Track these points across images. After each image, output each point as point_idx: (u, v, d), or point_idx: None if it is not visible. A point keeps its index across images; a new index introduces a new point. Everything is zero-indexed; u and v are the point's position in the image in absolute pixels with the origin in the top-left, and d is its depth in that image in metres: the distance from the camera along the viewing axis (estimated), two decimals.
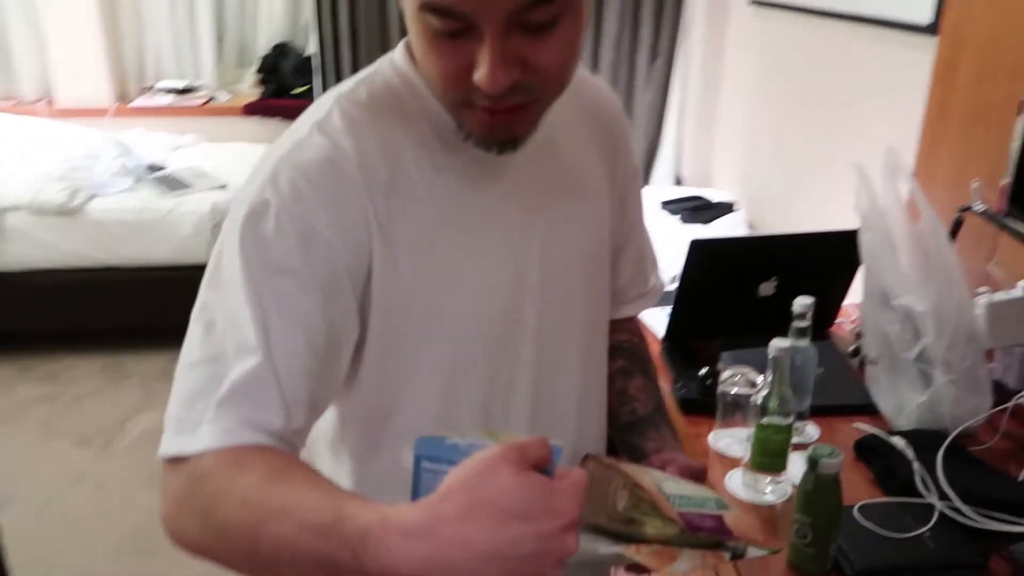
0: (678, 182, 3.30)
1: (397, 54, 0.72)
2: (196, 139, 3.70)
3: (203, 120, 3.78)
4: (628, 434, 0.89)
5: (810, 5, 2.24)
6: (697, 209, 2.70)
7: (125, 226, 2.94)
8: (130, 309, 3.03)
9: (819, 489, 0.93)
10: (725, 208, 2.70)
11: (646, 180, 3.21)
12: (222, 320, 0.62)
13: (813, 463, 0.92)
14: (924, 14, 1.62)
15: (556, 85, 0.64)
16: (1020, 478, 1.00)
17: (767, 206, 2.59)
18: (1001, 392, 1.11)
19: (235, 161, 3.35)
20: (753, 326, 1.28)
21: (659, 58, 3.12)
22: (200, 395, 0.60)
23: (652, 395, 0.93)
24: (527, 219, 0.74)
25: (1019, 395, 1.07)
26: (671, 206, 2.74)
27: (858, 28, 1.95)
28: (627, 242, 0.91)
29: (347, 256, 0.64)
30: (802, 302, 1.13)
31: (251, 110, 3.79)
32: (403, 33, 0.74)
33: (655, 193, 2.88)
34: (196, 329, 0.63)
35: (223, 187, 3.12)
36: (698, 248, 1.33)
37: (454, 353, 0.72)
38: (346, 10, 3.12)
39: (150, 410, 2.76)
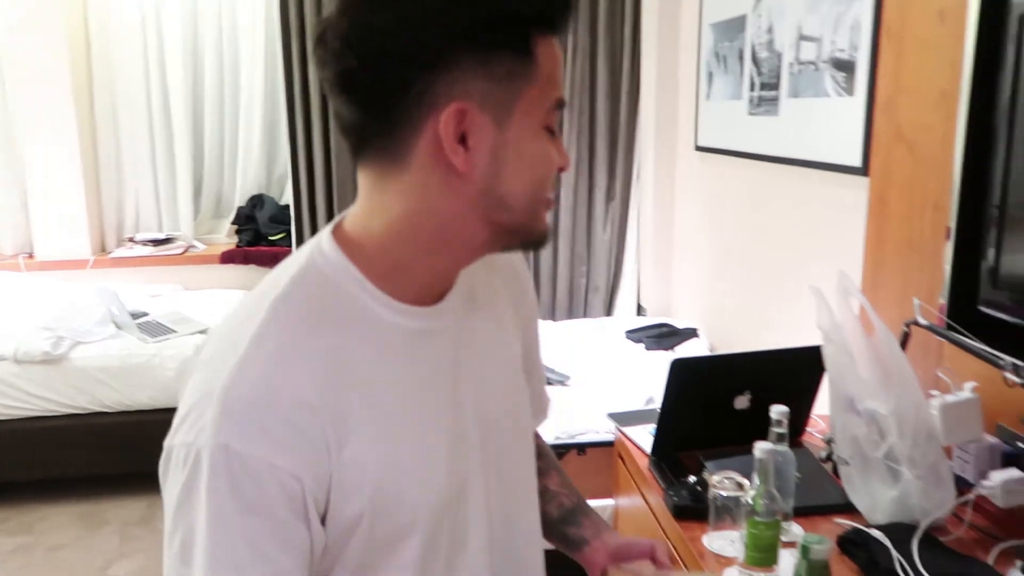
0: (640, 312, 3.50)
1: (326, 244, 0.74)
2: (174, 288, 3.86)
3: (181, 269, 3.95)
4: (562, 526, 0.98)
5: (749, 151, 2.46)
6: (661, 336, 2.87)
7: (108, 372, 3.01)
8: (109, 455, 3.07)
9: (812, 575, 1.11)
10: (688, 334, 2.88)
11: (608, 311, 3.59)
12: None
13: (805, 550, 1.09)
14: (855, 159, 1.87)
15: None
16: (990, 562, 1.19)
17: (726, 331, 2.77)
18: (961, 486, 1.29)
19: (214, 307, 3.49)
20: (731, 437, 1.44)
21: (615, 199, 3.49)
22: None
23: (570, 487, 1.01)
24: (457, 380, 0.79)
25: (977, 487, 1.25)
26: (635, 334, 2.93)
27: (797, 170, 2.17)
28: (529, 374, 0.95)
29: (314, 487, 0.67)
30: (779, 410, 1.27)
31: (228, 258, 3.97)
32: None
33: (619, 323, 3.14)
34: None
35: (204, 331, 3.23)
36: (679, 366, 1.45)
37: (420, 535, 0.75)
38: (321, 161, 3.46)
39: (128, 557, 2.73)
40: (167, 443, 0.69)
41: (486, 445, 0.81)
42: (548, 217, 0.77)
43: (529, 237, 0.76)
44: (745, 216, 2.58)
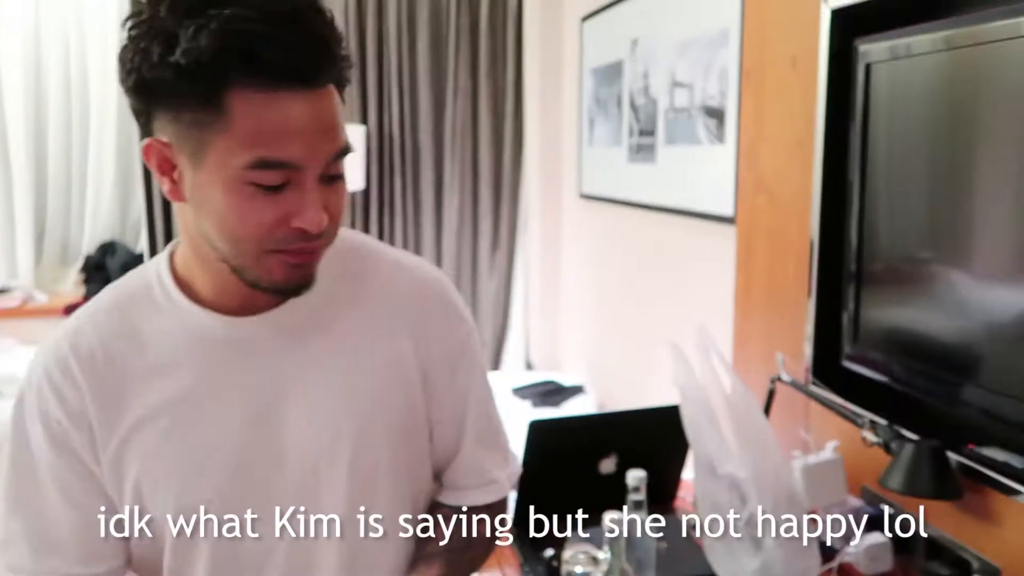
0: (528, 367, 3.37)
1: (162, 264, 0.85)
2: (10, 344, 3.46)
3: (18, 322, 3.57)
4: None
5: (631, 199, 2.46)
6: (547, 393, 2.81)
7: None
8: None
9: None
10: (574, 391, 2.81)
11: (496, 366, 3.37)
12: None
13: None
14: (727, 208, 1.84)
15: (336, 229, 0.78)
16: None
17: (614, 386, 2.71)
18: (825, 552, 1.22)
19: None
20: (598, 504, 1.33)
21: (500, 249, 3.33)
22: None
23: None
24: (279, 394, 0.82)
25: (842, 553, 1.21)
26: (522, 392, 2.85)
27: (677, 218, 2.18)
28: (442, 425, 0.92)
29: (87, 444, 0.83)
30: (635, 475, 1.20)
31: (73, 310, 3.42)
32: None
33: (506, 380, 3.01)
34: None
35: None
36: (537, 429, 1.36)
37: (207, 544, 0.82)
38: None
39: None
40: None
41: (304, 474, 0.83)
42: (315, 268, 0.78)
43: (258, 284, 0.76)
44: (630, 266, 2.55)
